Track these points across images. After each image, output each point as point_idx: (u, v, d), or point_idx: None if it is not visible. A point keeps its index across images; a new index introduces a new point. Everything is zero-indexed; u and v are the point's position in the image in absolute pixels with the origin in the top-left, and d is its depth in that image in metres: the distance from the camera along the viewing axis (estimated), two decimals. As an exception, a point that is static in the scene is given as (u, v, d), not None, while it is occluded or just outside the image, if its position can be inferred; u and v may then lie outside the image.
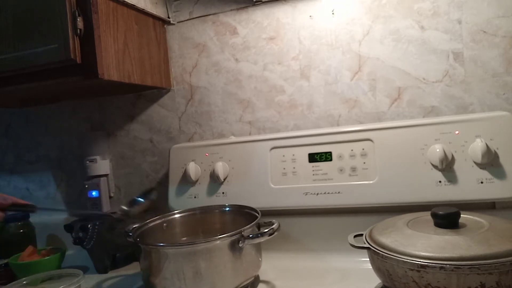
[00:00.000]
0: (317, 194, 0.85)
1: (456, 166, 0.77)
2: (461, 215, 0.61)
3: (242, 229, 0.69)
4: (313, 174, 0.87)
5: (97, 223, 0.91)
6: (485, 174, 0.75)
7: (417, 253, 0.55)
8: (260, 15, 1.01)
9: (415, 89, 0.90)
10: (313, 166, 0.87)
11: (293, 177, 0.88)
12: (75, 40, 0.81)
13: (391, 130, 0.83)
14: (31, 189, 1.31)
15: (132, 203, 0.93)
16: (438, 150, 0.77)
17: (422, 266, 0.53)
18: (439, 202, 0.75)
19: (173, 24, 1.09)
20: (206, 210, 0.90)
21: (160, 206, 1.04)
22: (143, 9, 0.99)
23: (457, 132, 0.78)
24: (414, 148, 0.80)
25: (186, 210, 0.89)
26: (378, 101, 0.93)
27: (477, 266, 0.50)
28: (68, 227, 0.92)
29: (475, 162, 0.76)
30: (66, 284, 0.72)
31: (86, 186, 1.16)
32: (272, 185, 0.89)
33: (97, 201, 1.15)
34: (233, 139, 0.97)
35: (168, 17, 1.09)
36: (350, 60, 0.94)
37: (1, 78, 0.89)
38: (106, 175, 1.18)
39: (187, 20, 1.08)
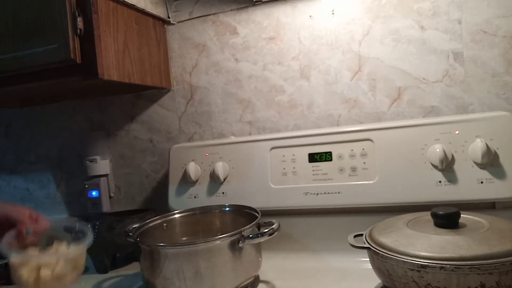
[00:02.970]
0: (317, 194, 0.85)
1: (456, 166, 0.77)
2: (461, 215, 0.61)
3: (242, 229, 0.69)
4: (313, 174, 0.87)
5: (97, 223, 0.91)
6: (485, 174, 0.75)
7: (417, 253, 0.55)
8: (260, 15, 1.01)
9: (415, 89, 0.90)
10: (313, 166, 0.87)
11: (293, 177, 0.88)
12: (75, 40, 0.81)
13: (391, 130, 0.83)
14: (31, 189, 1.31)
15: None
16: (438, 150, 0.77)
17: (422, 266, 0.53)
18: (439, 202, 0.75)
19: (173, 24, 1.09)
20: (206, 210, 0.90)
21: (160, 206, 1.05)
22: (143, 9, 0.99)
23: (457, 132, 0.78)
24: (414, 148, 0.80)
25: (186, 210, 0.89)
26: (378, 101, 0.93)
27: (477, 266, 0.50)
28: (68, 227, 0.92)
29: (475, 162, 0.76)
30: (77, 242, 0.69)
31: (86, 186, 1.16)
32: (272, 185, 0.89)
33: (97, 201, 1.15)
34: (233, 139, 0.97)
35: (168, 17, 1.09)
36: (350, 60, 0.94)
37: (1, 78, 0.89)
38: (106, 175, 1.18)
39: (187, 20, 1.08)
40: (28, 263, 0.60)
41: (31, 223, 0.64)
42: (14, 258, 0.61)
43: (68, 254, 0.64)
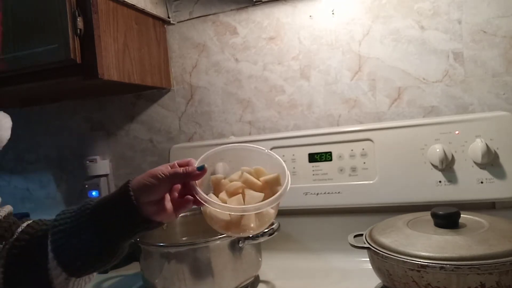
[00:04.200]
0: (317, 194, 0.85)
1: (456, 166, 0.77)
2: (461, 215, 0.61)
3: (242, 229, 0.69)
4: (313, 174, 0.87)
5: (97, 223, 0.91)
6: (485, 174, 0.75)
7: (417, 253, 0.55)
8: (260, 15, 1.01)
9: (415, 89, 0.90)
10: (313, 166, 0.87)
11: (293, 177, 0.88)
12: (75, 40, 0.81)
13: (391, 130, 0.83)
14: (31, 189, 1.31)
15: None
16: (438, 150, 0.77)
17: (422, 266, 0.53)
18: (439, 202, 0.75)
19: (173, 24, 1.09)
20: (206, 210, 0.90)
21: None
22: (143, 9, 0.99)
23: (457, 132, 0.78)
24: (414, 148, 0.80)
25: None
26: (378, 101, 0.93)
27: (477, 266, 0.50)
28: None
29: (475, 162, 0.76)
30: None
31: (86, 186, 1.16)
32: (272, 185, 0.89)
33: (97, 201, 1.15)
34: (233, 139, 0.97)
35: (168, 17, 1.09)
36: (350, 60, 0.94)
37: (1, 78, 0.89)
38: (106, 175, 1.17)
39: (187, 20, 1.08)
40: (248, 211, 0.51)
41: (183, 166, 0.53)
42: (228, 214, 0.51)
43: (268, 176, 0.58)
